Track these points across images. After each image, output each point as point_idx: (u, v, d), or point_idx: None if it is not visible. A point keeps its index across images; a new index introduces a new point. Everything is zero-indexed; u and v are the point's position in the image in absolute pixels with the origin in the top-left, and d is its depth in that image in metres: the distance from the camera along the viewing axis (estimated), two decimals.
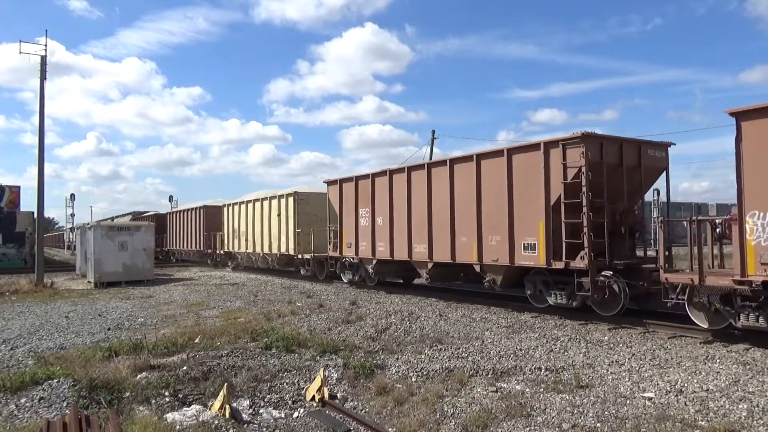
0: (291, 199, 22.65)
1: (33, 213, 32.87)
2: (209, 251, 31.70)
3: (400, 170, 16.42)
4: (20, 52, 23.34)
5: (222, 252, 30.01)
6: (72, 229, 58.50)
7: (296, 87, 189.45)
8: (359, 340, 10.31)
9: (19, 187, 37.22)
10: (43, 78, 23.11)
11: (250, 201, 26.46)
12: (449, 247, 14.23)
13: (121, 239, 22.88)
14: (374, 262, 17.29)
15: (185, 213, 35.48)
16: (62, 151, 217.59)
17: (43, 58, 23.13)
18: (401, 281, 19.00)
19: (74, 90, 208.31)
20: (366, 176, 17.78)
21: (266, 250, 24.68)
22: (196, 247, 33.32)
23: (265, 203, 24.82)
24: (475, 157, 13.59)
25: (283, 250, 23.20)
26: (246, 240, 26.66)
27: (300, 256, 21.99)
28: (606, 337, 10.03)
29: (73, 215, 59.72)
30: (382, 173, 16.96)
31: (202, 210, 32.48)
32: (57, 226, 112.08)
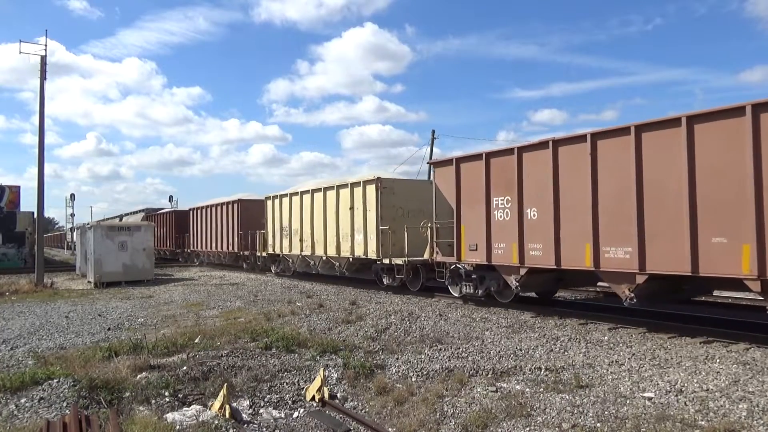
0: (372, 188, 17.63)
1: (33, 213, 32.90)
2: (245, 253, 26.92)
3: (574, 140, 11.28)
4: (20, 52, 23.43)
5: (264, 254, 25.01)
6: (71, 229, 58.50)
7: (296, 87, 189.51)
8: (359, 340, 10.31)
9: (19, 187, 37.26)
10: (43, 78, 23.14)
11: (306, 191, 21.58)
12: (683, 251, 9.24)
13: (121, 239, 22.90)
14: (521, 271, 12.23)
15: (214, 209, 30.28)
16: (62, 151, 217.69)
17: (43, 58, 23.17)
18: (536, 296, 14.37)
19: (74, 90, 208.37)
20: (505, 152, 12.85)
21: (331, 252, 19.65)
22: (228, 248, 28.44)
23: (330, 194, 19.79)
24: (750, 109, 8.56)
25: (358, 253, 18.23)
26: (301, 240, 21.74)
27: (387, 261, 16.95)
28: (606, 337, 10.03)
29: (73, 215, 59.84)
30: (538, 146, 11.98)
31: (236, 204, 27.61)
32: (57, 226, 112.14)
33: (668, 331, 10.22)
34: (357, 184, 18.42)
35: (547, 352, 9.05)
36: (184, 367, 8.40)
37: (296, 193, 22.31)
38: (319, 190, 20.70)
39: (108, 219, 55.17)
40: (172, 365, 8.55)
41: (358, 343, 9.96)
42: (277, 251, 23.94)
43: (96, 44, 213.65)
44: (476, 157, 13.43)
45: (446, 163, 14.48)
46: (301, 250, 21.80)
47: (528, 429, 5.98)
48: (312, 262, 21.42)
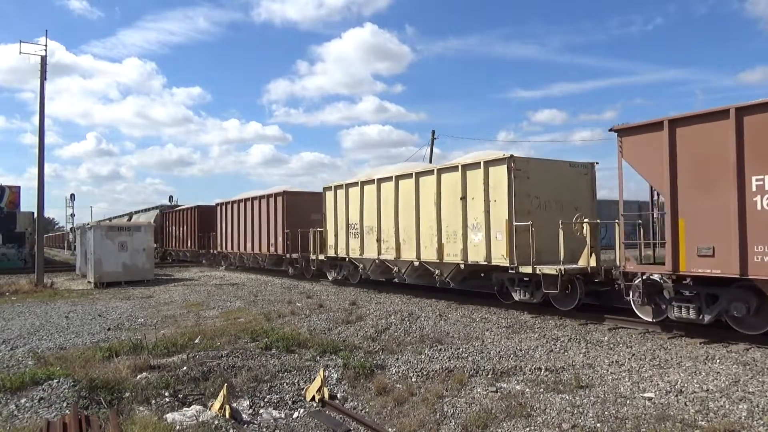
0: (500, 170, 13.05)
1: (33, 213, 32.89)
2: (293, 256, 22.52)
3: None
4: (20, 53, 23.38)
5: (322, 257, 20.57)
6: (72, 230, 58.47)
7: (296, 87, 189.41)
8: (359, 340, 10.31)
9: (19, 187, 37.27)
10: (43, 78, 23.12)
11: (386, 178, 16.96)
12: None
13: (121, 239, 22.90)
14: None
15: (250, 203, 26.04)
16: (62, 151, 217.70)
17: (43, 59, 23.15)
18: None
19: (74, 90, 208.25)
20: None
21: (428, 256, 15.14)
22: (269, 249, 24.18)
23: (427, 180, 15.18)
24: None
25: (475, 257, 13.65)
26: (379, 240, 17.19)
27: (526, 270, 12.42)
28: (606, 338, 10.03)
29: (73, 215, 59.83)
30: None
31: (280, 198, 23.39)
32: (57, 226, 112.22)
33: (668, 331, 10.22)
34: (473, 165, 13.82)
35: (547, 352, 9.05)
36: (184, 368, 8.39)
37: (371, 181, 17.65)
38: (407, 176, 16.00)
39: (115, 218, 54.11)
40: (172, 365, 8.54)
41: (358, 344, 9.96)
42: (341, 254, 19.23)
43: (96, 44, 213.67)
44: (713, 116, 9.08)
45: (649, 128, 9.89)
46: (379, 253, 17.08)
47: (528, 429, 5.98)
48: (396, 269, 16.66)
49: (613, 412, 6.26)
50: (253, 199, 25.84)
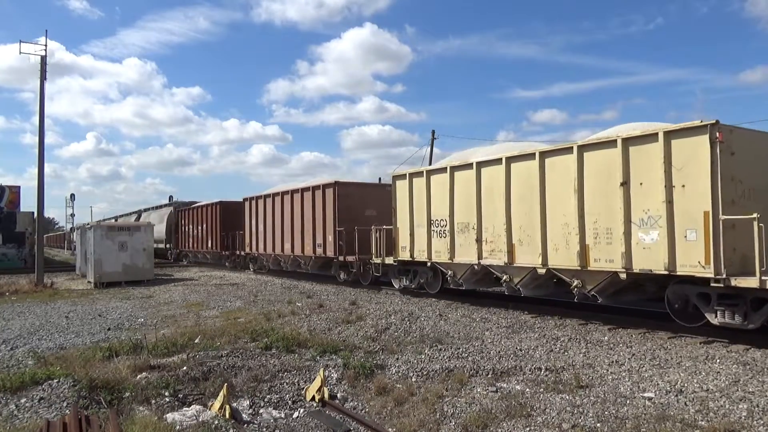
0: (693, 143, 9.50)
1: (33, 213, 32.86)
2: (348, 259, 18.97)
3: None
4: (20, 52, 23.45)
5: (391, 261, 16.87)
6: (72, 230, 58.46)
7: (296, 87, 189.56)
8: (359, 340, 10.31)
9: (19, 187, 37.32)
10: (43, 78, 23.14)
11: (489, 161, 13.51)
12: None
13: (121, 239, 22.90)
14: None
15: (288, 197, 22.41)
16: (62, 151, 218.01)
17: (43, 58, 23.17)
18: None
19: (74, 90, 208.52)
20: None
21: (560, 261, 11.69)
22: (314, 250, 20.69)
23: (558, 161, 11.78)
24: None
25: (643, 263, 10.18)
26: (480, 241, 13.64)
27: (739, 284, 8.92)
28: (606, 337, 10.03)
29: (73, 215, 59.89)
30: None
31: (331, 190, 19.80)
32: (57, 226, 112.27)
33: (668, 331, 10.22)
34: (643, 139, 10.25)
35: (547, 352, 9.05)
36: (184, 368, 8.39)
37: (466, 166, 14.13)
38: (526, 156, 12.51)
39: (121, 217, 53.07)
40: (172, 365, 8.54)
41: (358, 343, 9.96)
42: (419, 256, 15.69)
43: (96, 44, 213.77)
44: None
45: None
46: (480, 257, 13.57)
47: (528, 429, 5.98)
48: (507, 276, 13.09)
49: (613, 411, 6.26)
50: (293, 192, 22.26)
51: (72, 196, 61.33)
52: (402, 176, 16.46)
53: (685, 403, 6.40)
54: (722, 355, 8.52)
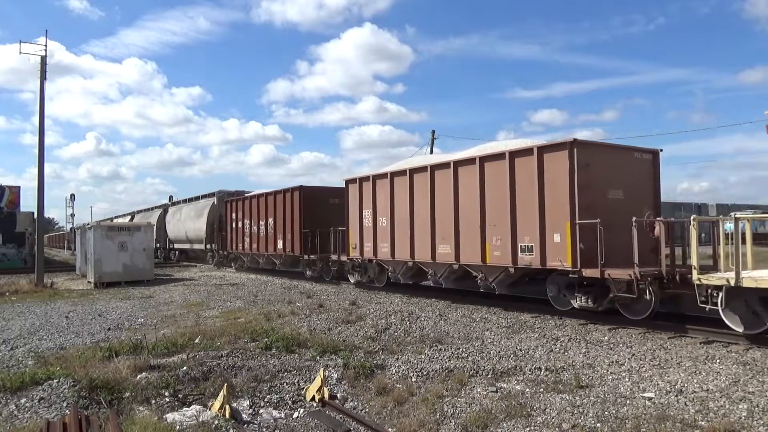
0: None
1: (33, 213, 32.86)
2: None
3: None
4: (20, 53, 23.41)
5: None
6: (72, 230, 58.44)
7: (296, 87, 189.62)
8: (359, 340, 10.31)
9: (19, 187, 37.36)
10: (43, 78, 23.13)
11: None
12: None
13: (121, 239, 22.91)
14: None
15: (429, 174, 14.88)
16: (62, 152, 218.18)
17: (43, 59, 23.16)
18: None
19: (74, 90, 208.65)
20: None
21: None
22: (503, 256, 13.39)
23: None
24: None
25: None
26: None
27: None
28: (606, 337, 10.03)
29: (73, 215, 59.92)
30: None
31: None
32: (57, 226, 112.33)
33: (668, 331, 10.22)
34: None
35: (547, 352, 9.04)
36: (184, 368, 8.40)
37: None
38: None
39: (140, 212, 47.67)
40: (172, 365, 8.54)
41: (358, 344, 9.96)
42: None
43: (96, 44, 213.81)
44: None
45: None
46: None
47: (528, 429, 5.98)
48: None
49: (613, 412, 6.26)
50: (440, 165, 14.88)
51: (72, 196, 61.56)
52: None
53: (685, 403, 6.40)
54: (722, 355, 8.52)
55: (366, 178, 17.42)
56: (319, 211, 21.18)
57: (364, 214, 17.48)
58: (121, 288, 20.98)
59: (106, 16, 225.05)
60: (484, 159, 13.39)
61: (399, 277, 16.59)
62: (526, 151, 12.36)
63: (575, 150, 11.36)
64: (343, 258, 18.90)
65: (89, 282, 23.16)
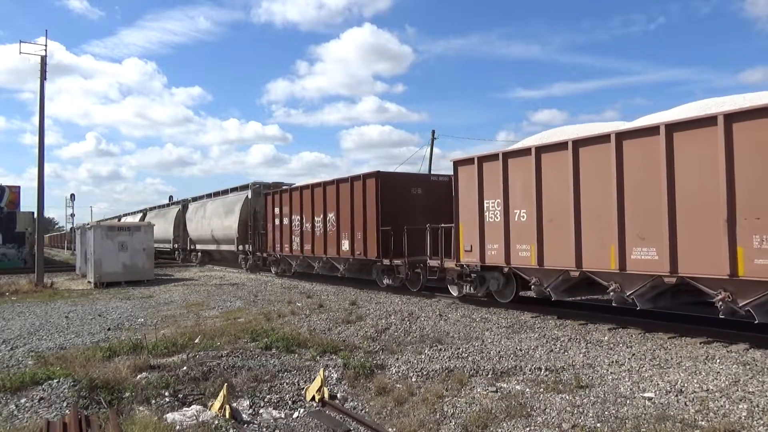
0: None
1: (33, 213, 32.89)
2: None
3: None
4: (20, 53, 23.40)
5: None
6: (72, 230, 58.43)
7: (296, 87, 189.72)
8: (359, 340, 10.31)
9: (19, 187, 37.38)
10: (43, 78, 23.12)
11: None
12: None
13: (120, 239, 22.92)
14: None
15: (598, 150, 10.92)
16: (62, 151, 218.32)
17: (43, 59, 23.15)
18: None
19: (74, 90, 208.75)
20: None
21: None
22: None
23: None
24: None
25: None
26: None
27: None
28: (606, 337, 10.03)
29: (73, 215, 59.97)
30: None
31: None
32: (57, 226, 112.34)
33: (668, 331, 10.22)
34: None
35: (547, 352, 9.05)
36: (184, 367, 8.40)
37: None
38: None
39: (154, 209, 44.32)
40: (172, 365, 8.54)
41: (358, 343, 9.96)
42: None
43: (97, 44, 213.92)
44: None
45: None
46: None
47: (528, 429, 5.98)
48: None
49: (613, 412, 6.26)
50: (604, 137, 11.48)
51: (72, 196, 61.59)
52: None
53: (685, 403, 6.40)
54: (722, 355, 8.52)
55: (489, 157, 13.26)
56: (400, 204, 16.91)
57: (486, 205, 13.30)
58: (121, 288, 20.99)
59: (106, 16, 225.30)
60: (731, 117, 8.80)
61: (548, 290, 12.17)
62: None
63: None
64: (449, 264, 14.52)
65: (89, 282, 23.17)
